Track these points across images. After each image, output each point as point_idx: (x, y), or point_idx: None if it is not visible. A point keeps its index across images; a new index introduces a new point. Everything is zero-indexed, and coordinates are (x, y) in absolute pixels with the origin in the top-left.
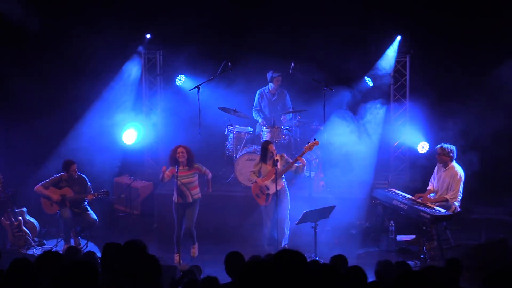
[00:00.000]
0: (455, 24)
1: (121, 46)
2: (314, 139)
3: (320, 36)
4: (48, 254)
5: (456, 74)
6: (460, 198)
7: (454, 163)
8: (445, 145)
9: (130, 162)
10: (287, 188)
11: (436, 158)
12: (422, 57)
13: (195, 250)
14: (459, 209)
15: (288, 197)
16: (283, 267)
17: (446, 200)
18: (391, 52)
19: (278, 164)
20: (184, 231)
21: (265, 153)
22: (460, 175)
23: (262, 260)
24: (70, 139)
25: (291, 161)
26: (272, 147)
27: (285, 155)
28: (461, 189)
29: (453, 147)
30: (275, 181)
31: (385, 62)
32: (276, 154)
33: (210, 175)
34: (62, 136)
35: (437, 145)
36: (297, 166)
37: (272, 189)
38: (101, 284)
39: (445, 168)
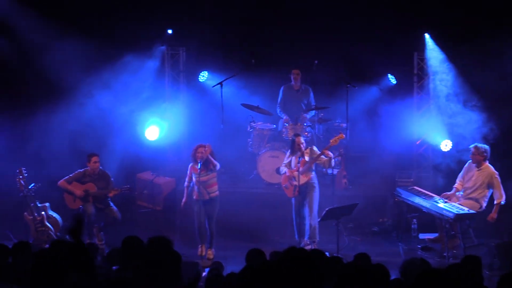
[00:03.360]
0: (479, 21)
1: (144, 42)
2: (340, 133)
3: (343, 34)
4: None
5: (481, 71)
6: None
7: (487, 163)
8: (479, 145)
9: (152, 158)
10: (315, 182)
11: (470, 158)
12: (446, 54)
13: (211, 252)
14: (484, 208)
15: (317, 190)
16: (298, 265)
17: (499, 203)
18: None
19: (306, 156)
20: (204, 228)
21: (293, 145)
22: (497, 174)
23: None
24: (91, 134)
25: (318, 153)
26: (300, 139)
27: (314, 147)
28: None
29: (487, 147)
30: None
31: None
32: (306, 148)
33: (218, 166)
34: (83, 131)
35: (459, 149)
36: (324, 159)
37: (300, 181)
38: (120, 279)
39: (478, 168)
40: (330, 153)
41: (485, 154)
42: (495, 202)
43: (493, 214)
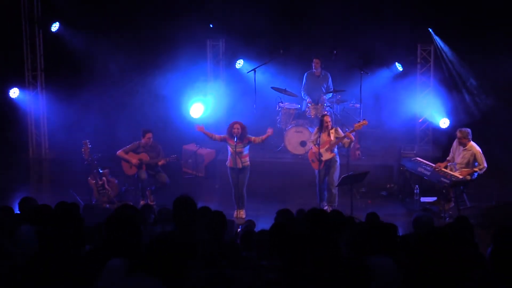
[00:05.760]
0: (478, 17)
1: (191, 34)
2: (364, 119)
3: (358, 28)
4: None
5: (479, 62)
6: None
7: (471, 142)
8: (462, 129)
9: (196, 132)
10: (338, 158)
11: (457, 139)
12: (447, 46)
13: (242, 213)
14: (475, 176)
15: (338, 164)
16: (319, 222)
17: (476, 171)
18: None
19: (332, 135)
20: (236, 193)
21: (321, 124)
22: (481, 151)
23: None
24: (147, 112)
25: (343, 135)
26: (328, 118)
27: (339, 129)
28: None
29: (469, 130)
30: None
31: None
32: (332, 127)
33: (263, 137)
34: (141, 109)
35: (455, 125)
36: (347, 141)
37: (325, 157)
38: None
39: (463, 147)
40: (353, 136)
41: (468, 136)
42: (475, 168)
43: (465, 174)
